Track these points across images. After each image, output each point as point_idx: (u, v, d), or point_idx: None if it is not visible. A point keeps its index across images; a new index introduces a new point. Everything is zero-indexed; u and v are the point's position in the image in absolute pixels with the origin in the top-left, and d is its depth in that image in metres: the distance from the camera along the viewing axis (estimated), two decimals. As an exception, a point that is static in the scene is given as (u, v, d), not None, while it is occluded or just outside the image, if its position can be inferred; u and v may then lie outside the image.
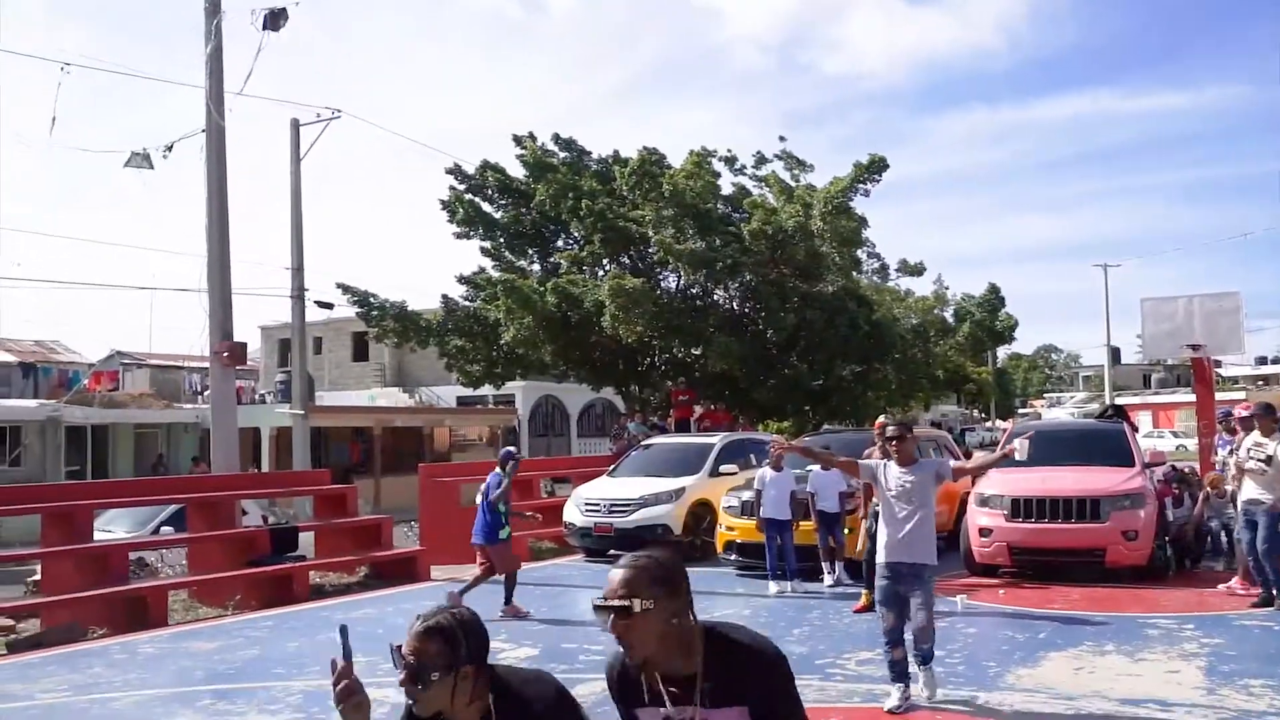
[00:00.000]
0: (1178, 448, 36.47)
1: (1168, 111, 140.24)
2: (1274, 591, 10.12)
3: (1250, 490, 10.18)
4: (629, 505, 15.47)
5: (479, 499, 11.59)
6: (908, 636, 7.05)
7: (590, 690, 7.65)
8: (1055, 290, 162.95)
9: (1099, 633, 9.25)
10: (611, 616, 2.76)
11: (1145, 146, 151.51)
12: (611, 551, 15.74)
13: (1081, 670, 7.92)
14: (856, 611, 10.58)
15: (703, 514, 15.45)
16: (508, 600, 11.15)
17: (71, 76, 15.46)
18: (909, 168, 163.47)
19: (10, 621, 11.51)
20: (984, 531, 12.09)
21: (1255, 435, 10.28)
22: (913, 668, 7.07)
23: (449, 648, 2.79)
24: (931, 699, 6.98)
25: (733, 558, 13.70)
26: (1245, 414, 10.98)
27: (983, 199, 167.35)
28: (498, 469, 11.60)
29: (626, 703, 2.95)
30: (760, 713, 2.83)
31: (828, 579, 12.41)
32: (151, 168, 16.19)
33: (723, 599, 11.85)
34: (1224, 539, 12.64)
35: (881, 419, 11.45)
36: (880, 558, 7.17)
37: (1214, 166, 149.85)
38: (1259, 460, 10.07)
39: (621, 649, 2.85)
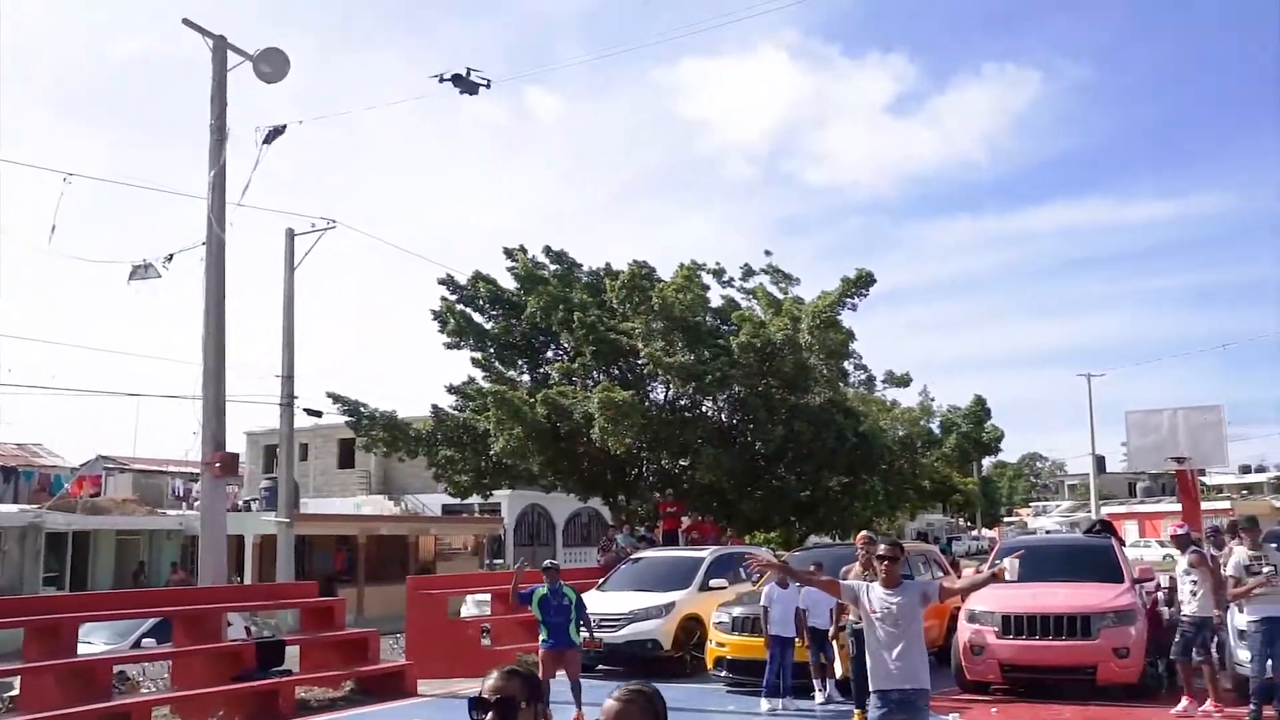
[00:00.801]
0: (1165, 557, 36.48)
1: (1154, 220, 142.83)
2: (1262, 712, 10.08)
3: (1262, 609, 10.13)
4: (619, 620, 15.42)
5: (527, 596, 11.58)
6: None
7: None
8: (1041, 397, 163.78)
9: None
10: None
11: (1131, 255, 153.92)
12: (600, 667, 15.62)
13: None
14: None
15: (693, 629, 15.41)
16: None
17: (72, 185, 15.68)
18: (896, 275, 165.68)
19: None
20: (975, 649, 12.11)
21: (1244, 550, 10.39)
22: None
23: (527, 685, 3.48)
24: None
25: (723, 674, 13.62)
26: (1179, 532, 11.44)
27: (969, 306, 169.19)
28: (551, 580, 11.60)
29: None
30: None
31: (819, 696, 12.36)
32: (159, 276, 16.44)
33: (714, 715, 11.79)
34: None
35: (864, 533, 11.63)
36: (872, 685, 7.01)
37: (1201, 274, 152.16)
38: (1265, 571, 10.09)
39: None
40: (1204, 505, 30.52)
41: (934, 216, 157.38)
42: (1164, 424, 19.68)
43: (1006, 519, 75.44)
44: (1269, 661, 10.07)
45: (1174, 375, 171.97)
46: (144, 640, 17.11)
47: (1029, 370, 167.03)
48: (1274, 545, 10.86)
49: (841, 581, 7.90)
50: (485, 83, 18.19)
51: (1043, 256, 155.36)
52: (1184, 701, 10.94)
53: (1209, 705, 10.80)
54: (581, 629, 12.11)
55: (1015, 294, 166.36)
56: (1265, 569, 10.09)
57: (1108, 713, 11.05)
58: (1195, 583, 10.95)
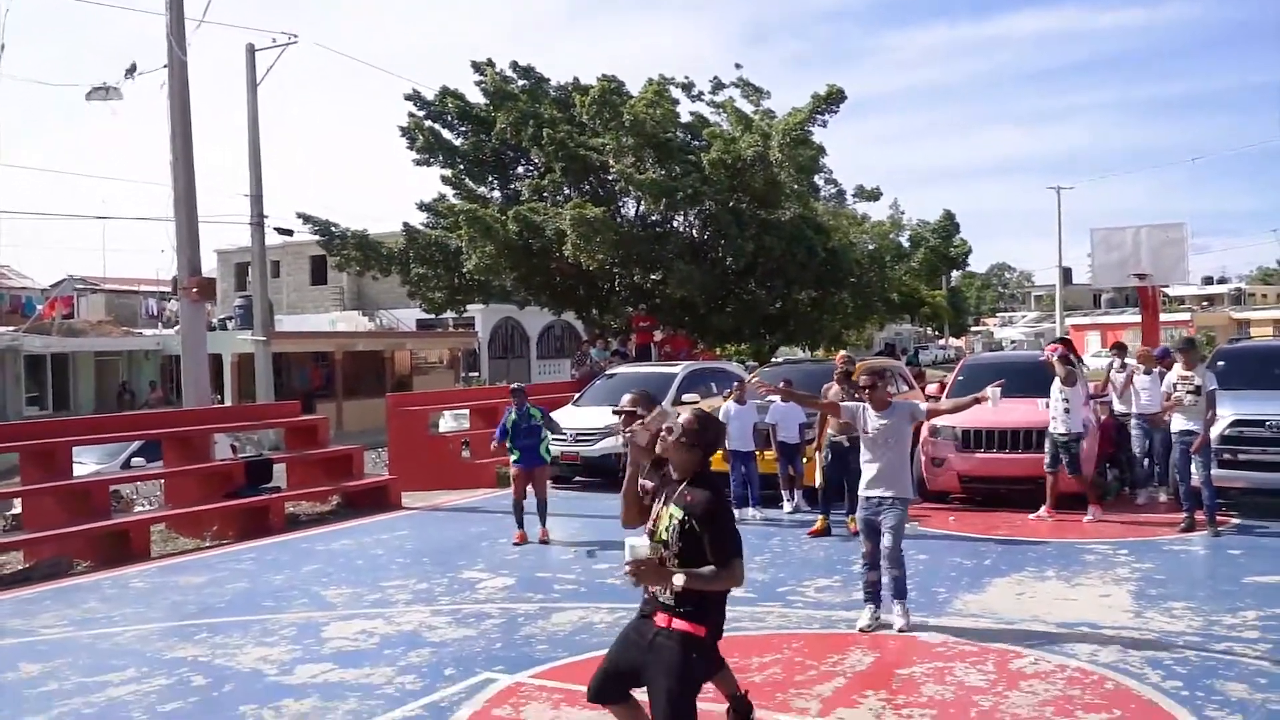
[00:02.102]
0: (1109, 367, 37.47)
1: (1126, 28, 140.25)
2: (1195, 517, 10.85)
3: (1180, 423, 10.95)
4: (594, 434, 15.93)
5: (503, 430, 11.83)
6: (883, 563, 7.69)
7: (567, 619, 8.20)
8: (1010, 207, 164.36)
9: (1040, 558, 9.90)
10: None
11: (1102, 63, 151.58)
12: (576, 479, 16.25)
13: (1023, 595, 8.55)
14: (811, 535, 11.35)
15: (665, 443, 15.90)
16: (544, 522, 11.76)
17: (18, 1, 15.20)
18: (867, 83, 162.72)
19: (-6, 556, 11.83)
20: (935, 461, 12.75)
21: (1178, 369, 11.02)
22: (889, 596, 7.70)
23: (646, 403, 5.09)
24: (903, 630, 7.48)
25: (695, 485, 14.19)
26: (1052, 355, 12.09)
27: (941, 115, 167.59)
28: (518, 403, 11.83)
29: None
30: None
31: (787, 506, 12.99)
32: (120, 98, 16.17)
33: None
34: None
35: (843, 353, 12.27)
36: (861, 491, 7.88)
37: (1171, 83, 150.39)
38: (1188, 391, 10.77)
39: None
40: (1164, 318, 31.22)
41: (905, 25, 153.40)
42: (1128, 241, 20.01)
43: (974, 329, 76.68)
44: (1192, 469, 10.83)
45: (1143, 187, 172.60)
46: (133, 460, 17.62)
47: (999, 180, 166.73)
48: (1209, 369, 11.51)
49: (843, 403, 8.75)
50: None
51: (1017, 64, 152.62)
52: (1051, 509, 11.85)
53: (1043, 510, 11.84)
54: (553, 443, 12.65)
55: (987, 103, 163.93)
56: (1186, 391, 10.79)
57: (1058, 521, 11.72)
58: (1067, 400, 11.61)
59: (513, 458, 11.80)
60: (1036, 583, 8.97)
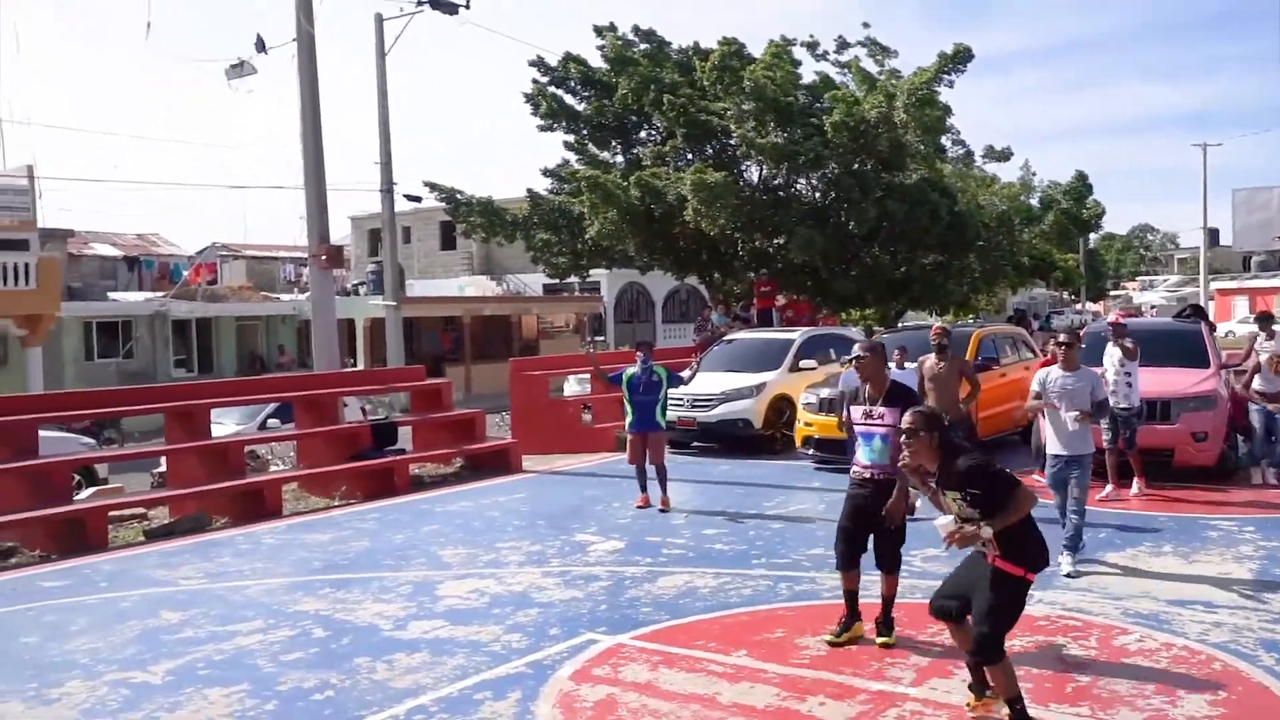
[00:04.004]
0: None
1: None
2: None
3: None
4: (711, 400, 16.03)
5: (618, 378, 11.76)
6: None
7: (672, 583, 8.36)
8: (1155, 165, 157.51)
9: (1159, 534, 9.65)
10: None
11: (1247, 12, 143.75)
12: (694, 444, 16.39)
13: (1136, 570, 8.37)
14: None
15: (783, 408, 15.95)
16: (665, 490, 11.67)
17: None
18: (1000, 38, 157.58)
19: (143, 510, 12.57)
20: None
21: None
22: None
23: (929, 422, 5.40)
24: (1069, 575, 8.18)
25: (810, 452, 14.21)
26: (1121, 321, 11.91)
27: (1081, 69, 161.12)
28: (644, 357, 11.68)
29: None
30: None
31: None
32: (254, 73, 16.80)
33: (799, 492, 12.42)
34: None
35: (938, 325, 12.04)
36: (1049, 450, 8.74)
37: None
38: None
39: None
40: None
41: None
42: (1273, 201, 19.17)
43: (1112, 293, 74.12)
44: None
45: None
46: (269, 421, 18.43)
47: (1143, 137, 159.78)
48: None
49: (1032, 402, 9.07)
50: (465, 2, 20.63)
51: (1157, 13, 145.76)
52: (1117, 486, 11.29)
53: (1110, 489, 11.19)
54: (671, 406, 12.44)
55: (1130, 55, 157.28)
56: None
57: (1182, 494, 11.38)
58: (1129, 374, 11.15)
59: (627, 420, 11.72)
60: (1151, 558, 8.77)
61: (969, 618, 5.40)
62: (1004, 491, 5.19)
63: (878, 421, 6.81)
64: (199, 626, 7.60)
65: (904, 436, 5.39)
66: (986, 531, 5.14)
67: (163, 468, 14.70)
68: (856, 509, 6.89)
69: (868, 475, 6.88)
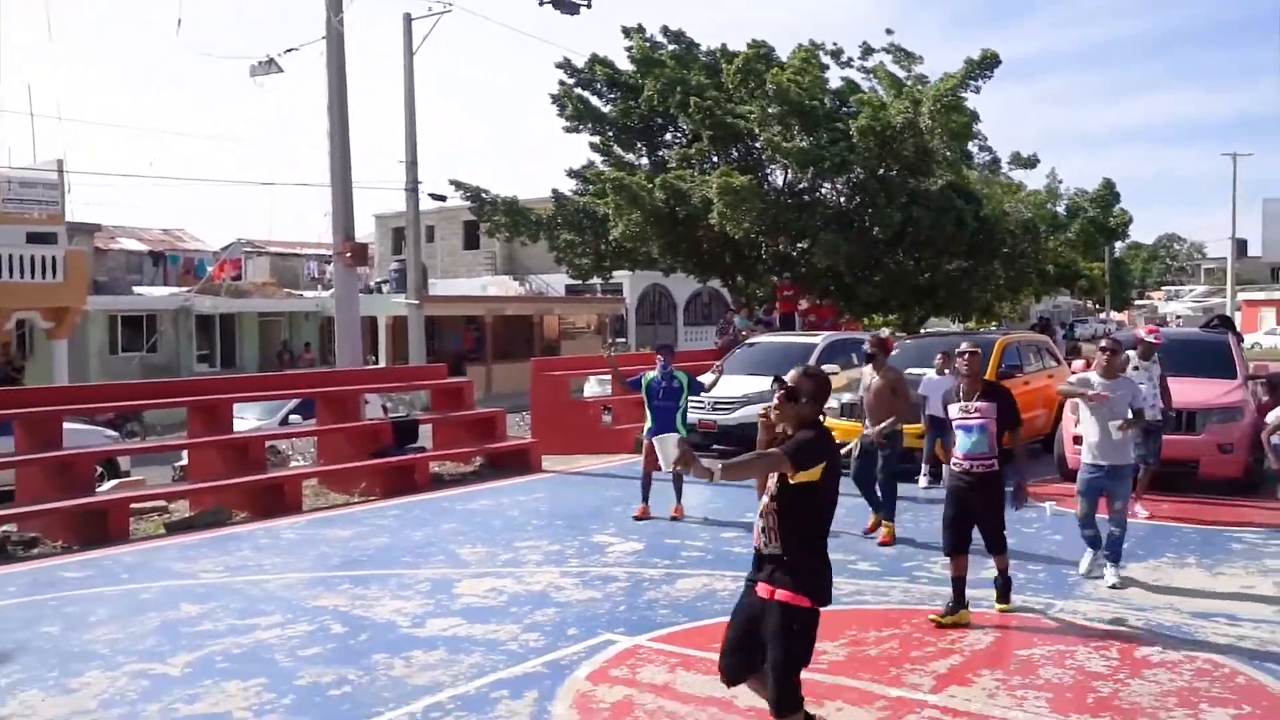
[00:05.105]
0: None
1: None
2: None
3: None
4: (732, 403, 15.99)
5: (636, 383, 11.44)
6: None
7: (691, 585, 8.34)
8: (1183, 174, 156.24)
9: (1182, 544, 9.57)
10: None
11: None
12: (715, 446, 16.34)
13: (1159, 581, 8.29)
14: (883, 544, 9.95)
15: (804, 413, 15.84)
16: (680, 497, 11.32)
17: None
18: (1029, 43, 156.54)
19: (164, 503, 12.65)
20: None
21: None
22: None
23: (817, 387, 4.69)
24: (1114, 586, 8.04)
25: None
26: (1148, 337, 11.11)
27: (1111, 75, 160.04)
28: (664, 361, 11.34)
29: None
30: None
31: (923, 481, 12.81)
32: (280, 71, 16.87)
33: (819, 498, 12.33)
34: None
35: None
36: (1084, 458, 8.42)
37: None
38: None
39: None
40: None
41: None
42: (1303, 211, 18.91)
43: (1137, 302, 73.61)
44: None
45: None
46: (290, 417, 18.51)
47: (1173, 146, 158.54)
48: None
49: (1073, 391, 8.74)
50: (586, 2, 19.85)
51: (1190, 20, 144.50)
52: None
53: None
54: (691, 408, 12.09)
55: (1164, 61, 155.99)
56: None
57: (1207, 506, 11.28)
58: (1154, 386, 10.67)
59: (646, 425, 11.47)
60: (1175, 569, 8.69)
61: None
62: (793, 446, 4.55)
63: (975, 416, 7.48)
64: (218, 620, 7.63)
65: (783, 394, 4.66)
66: (715, 468, 4.39)
67: (184, 461, 14.79)
68: (959, 499, 7.53)
69: (968, 466, 7.51)
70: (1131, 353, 10.75)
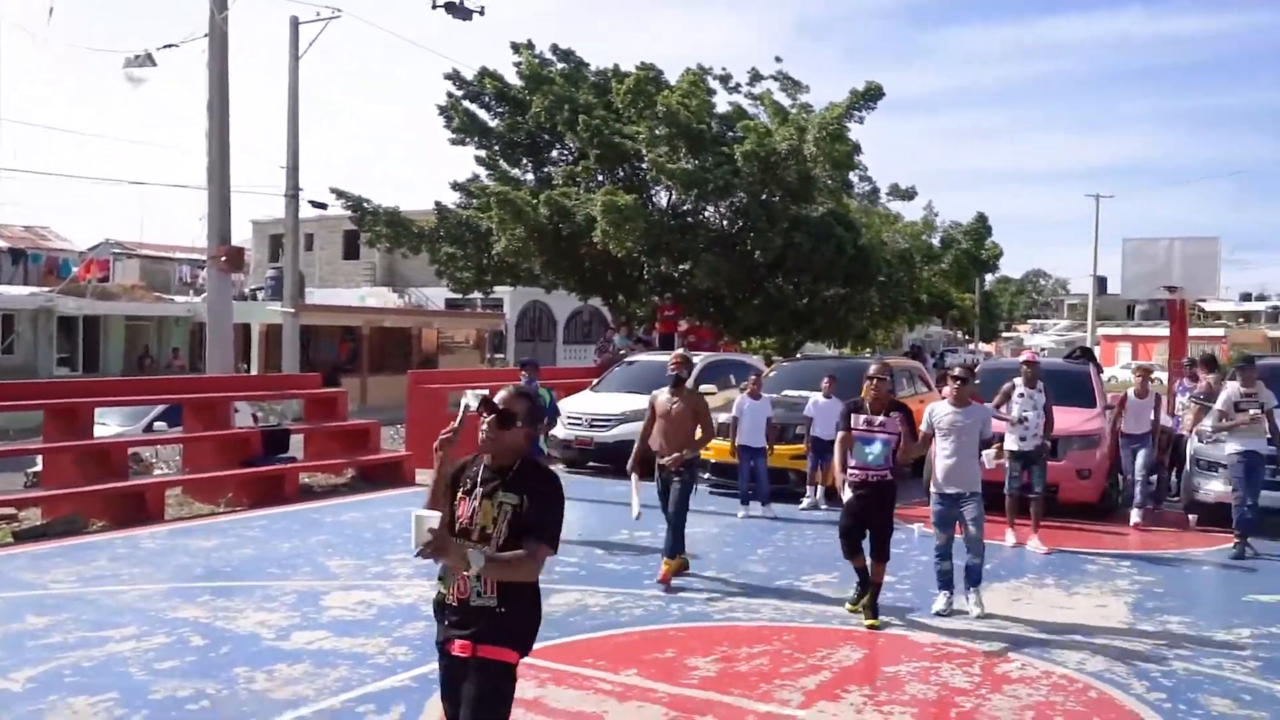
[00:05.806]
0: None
1: (1182, 36, 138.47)
2: (1247, 542, 10.27)
3: (1239, 443, 10.30)
4: (609, 421, 16.01)
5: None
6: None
7: (563, 601, 8.28)
8: (1051, 214, 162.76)
9: (1042, 565, 9.91)
10: None
11: (1154, 73, 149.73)
12: (591, 464, 16.33)
13: (1019, 601, 8.56)
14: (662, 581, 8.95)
15: (681, 432, 15.93)
16: None
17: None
18: (916, 82, 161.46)
19: (13, 511, 12.04)
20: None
21: (1235, 386, 10.45)
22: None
23: (530, 410, 4.05)
24: (979, 616, 7.99)
25: (706, 476, 14.23)
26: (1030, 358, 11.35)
27: (987, 118, 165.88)
28: (529, 378, 11.09)
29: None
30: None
31: (806, 501, 13.00)
32: (155, 66, 16.35)
33: (693, 515, 12.38)
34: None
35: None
36: (933, 488, 8.31)
37: (1220, 96, 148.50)
38: (1251, 412, 10.21)
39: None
40: (1196, 332, 30.90)
41: (962, 23, 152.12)
42: (1160, 253, 19.77)
43: (1005, 334, 76.17)
44: (1248, 491, 10.31)
45: (1185, 198, 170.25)
46: (155, 424, 17.85)
47: (1044, 187, 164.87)
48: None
49: (925, 432, 8.34)
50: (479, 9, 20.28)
51: (1067, 70, 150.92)
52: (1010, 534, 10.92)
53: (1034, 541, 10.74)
54: (568, 427, 11.99)
55: (1037, 108, 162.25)
56: (1252, 410, 10.23)
57: (1065, 530, 11.68)
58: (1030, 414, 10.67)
59: None
60: (1034, 589, 8.98)
61: None
62: (551, 529, 3.93)
63: (880, 430, 7.74)
64: (68, 632, 7.28)
65: (496, 420, 3.92)
66: (477, 562, 3.68)
67: (38, 467, 14.13)
68: (854, 510, 7.88)
69: (864, 476, 7.78)
70: (1018, 380, 10.92)
